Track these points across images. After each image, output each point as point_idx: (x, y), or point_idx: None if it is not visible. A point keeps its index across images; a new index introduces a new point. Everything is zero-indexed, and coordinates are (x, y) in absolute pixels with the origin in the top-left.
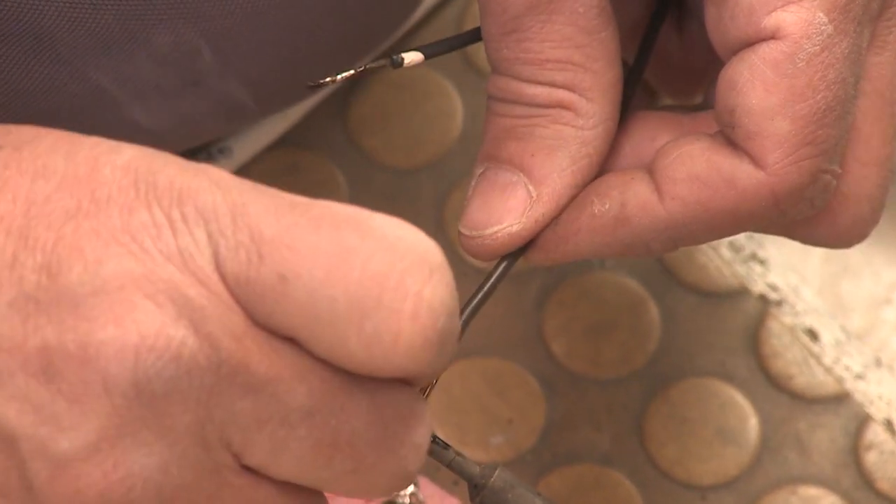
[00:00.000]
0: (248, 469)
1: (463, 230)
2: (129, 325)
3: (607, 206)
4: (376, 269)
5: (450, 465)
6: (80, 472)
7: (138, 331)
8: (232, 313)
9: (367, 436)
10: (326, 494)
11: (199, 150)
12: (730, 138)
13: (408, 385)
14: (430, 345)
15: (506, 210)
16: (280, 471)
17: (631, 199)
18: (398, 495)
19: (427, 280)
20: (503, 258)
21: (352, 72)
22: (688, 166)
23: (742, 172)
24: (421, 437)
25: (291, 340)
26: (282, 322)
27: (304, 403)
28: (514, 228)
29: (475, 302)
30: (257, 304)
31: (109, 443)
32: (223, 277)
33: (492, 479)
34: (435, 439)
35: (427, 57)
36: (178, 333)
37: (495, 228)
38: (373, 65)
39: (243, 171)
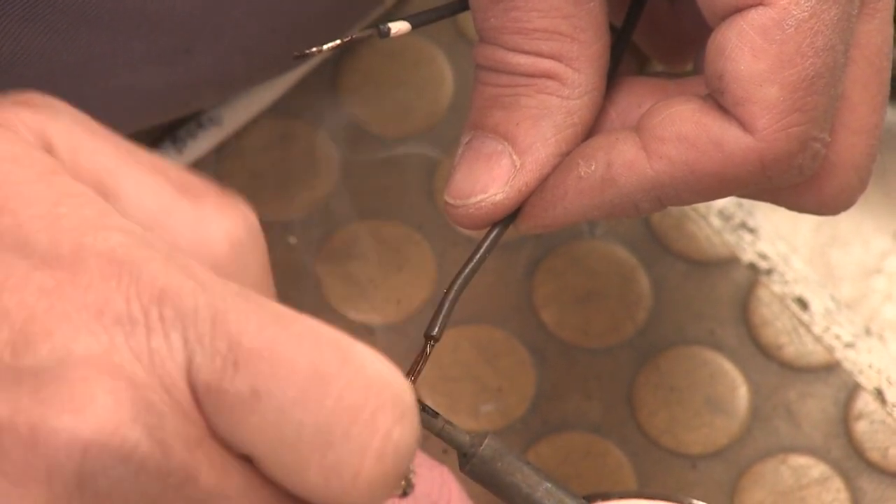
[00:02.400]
0: None
1: (448, 199)
2: (85, 417)
3: (593, 168)
4: (351, 400)
5: (439, 434)
6: None
7: (93, 425)
8: (190, 424)
9: None
10: None
11: (189, 119)
12: (719, 103)
13: None
14: (387, 486)
15: (490, 179)
16: None
17: (616, 158)
18: None
19: (398, 421)
20: (493, 226)
21: (338, 42)
22: (676, 126)
23: (730, 136)
24: None
25: (244, 458)
26: (243, 438)
27: None
28: (498, 197)
29: (467, 271)
30: (223, 415)
31: None
32: (193, 384)
33: (481, 448)
34: (424, 407)
35: (414, 26)
36: (132, 435)
37: (479, 197)
38: (360, 35)
39: (234, 140)
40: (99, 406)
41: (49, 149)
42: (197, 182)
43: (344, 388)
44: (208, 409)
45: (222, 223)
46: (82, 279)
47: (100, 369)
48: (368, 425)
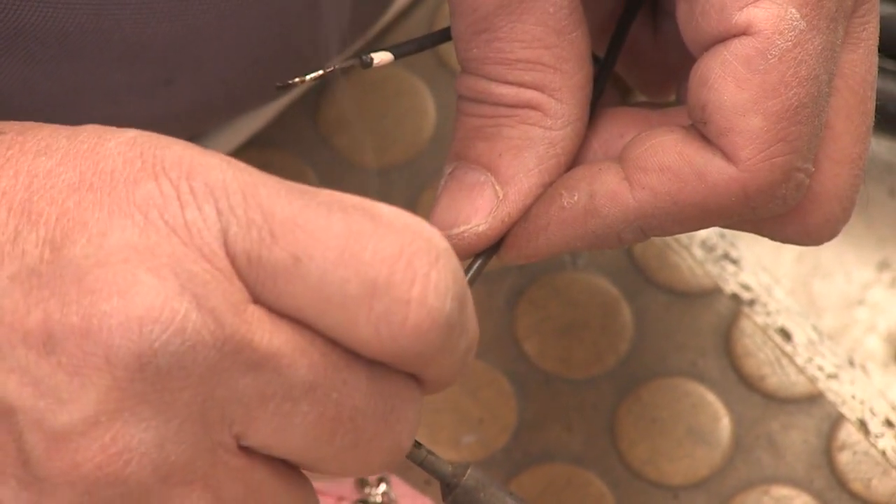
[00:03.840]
0: (244, 451)
1: None
2: (133, 297)
3: (576, 198)
4: (386, 251)
5: (422, 464)
6: (77, 445)
7: (143, 303)
8: (235, 290)
9: (367, 410)
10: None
11: None
12: (702, 133)
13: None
14: (436, 326)
15: (473, 210)
16: (283, 448)
17: (599, 189)
18: (371, 494)
19: (434, 263)
20: (476, 257)
21: (321, 72)
22: (659, 157)
23: (713, 167)
24: (413, 414)
25: (290, 318)
26: (290, 303)
27: (305, 378)
28: (481, 228)
29: None
30: (266, 284)
31: (108, 416)
32: (232, 255)
33: (464, 478)
34: None
35: (397, 57)
36: (182, 306)
37: (462, 228)
38: (342, 65)
39: None
40: (144, 284)
41: None
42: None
43: (378, 241)
44: (250, 280)
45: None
46: (106, 166)
47: (138, 249)
48: (407, 271)
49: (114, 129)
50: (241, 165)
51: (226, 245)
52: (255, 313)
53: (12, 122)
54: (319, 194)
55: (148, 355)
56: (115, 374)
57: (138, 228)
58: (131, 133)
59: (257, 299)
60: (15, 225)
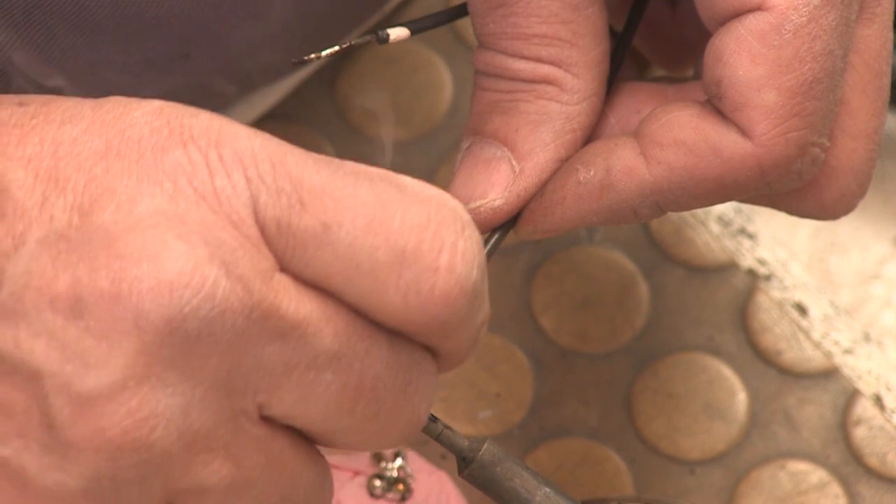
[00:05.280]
0: (265, 421)
1: None
2: (163, 263)
3: (592, 173)
4: (414, 220)
5: (438, 439)
6: (104, 410)
7: (172, 268)
8: (263, 257)
9: (388, 380)
10: None
11: None
12: (718, 108)
13: None
14: (464, 295)
15: (489, 184)
16: (305, 418)
17: (616, 163)
18: (387, 468)
19: (460, 232)
20: (493, 231)
21: (337, 48)
22: (675, 132)
23: (729, 141)
24: (430, 386)
25: (315, 287)
26: (319, 271)
27: (330, 347)
28: (497, 203)
29: None
30: (296, 251)
31: (136, 381)
32: (261, 223)
33: (480, 453)
34: None
35: (413, 32)
36: (211, 272)
37: (479, 203)
38: (358, 41)
39: None
40: (174, 250)
41: None
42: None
43: (406, 210)
44: (279, 248)
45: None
46: (133, 133)
47: (167, 215)
48: (435, 240)
49: (138, 99)
50: (268, 136)
51: (255, 213)
52: (283, 281)
53: (35, 95)
54: (345, 165)
55: (178, 320)
56: (143, 339)
57: (167, 195)
58: (157, 103)
59: (284, 268)
60: (42, 190)
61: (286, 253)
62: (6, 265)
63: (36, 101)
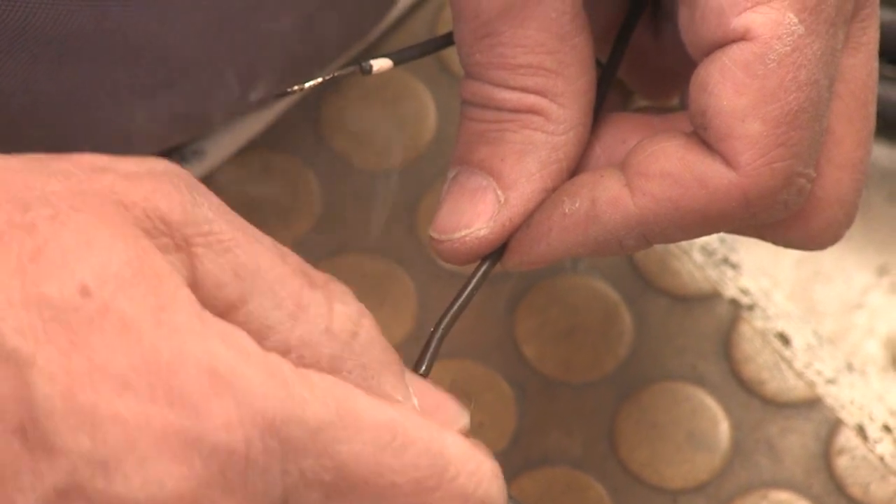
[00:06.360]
0: None
1: (433, 234)
2: None
3: (577, 204)
4: None
5: None
6: None
7: None
8: None
9: None
10: None
11: (172, 152)
12: (704, 139)
13: None
14: None
15: (475, 214)
16: None
17: (601, 195)
18: None
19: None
20: (481, 262)
21: (320, 79)
22: (661, 163)
23: (714, 172)
24: None
25: None
26: None
27: None
28: (482, 232)
29: (455, 308)
30: None
31: None
32: None
33: None
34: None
35: (396, 63)
36: None
37: (464, 232)
38: (342, 72)
39: (217, 173)
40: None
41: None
42: (310, 268)
43: (440, 499)
44: None
45: (347, 310)
46: (174, 397)
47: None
48: None
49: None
50: (328, 393)
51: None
52: None
53: None
54: (398, 435)
55: None
56: None
57: (196, 482)
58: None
59: None
60: None
61: None
62: None
63: None
